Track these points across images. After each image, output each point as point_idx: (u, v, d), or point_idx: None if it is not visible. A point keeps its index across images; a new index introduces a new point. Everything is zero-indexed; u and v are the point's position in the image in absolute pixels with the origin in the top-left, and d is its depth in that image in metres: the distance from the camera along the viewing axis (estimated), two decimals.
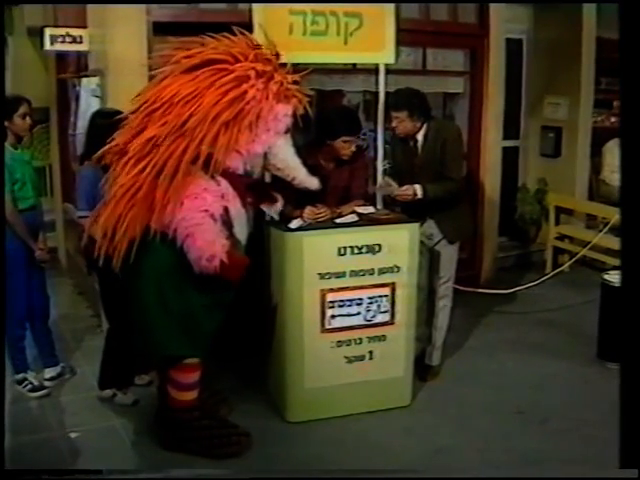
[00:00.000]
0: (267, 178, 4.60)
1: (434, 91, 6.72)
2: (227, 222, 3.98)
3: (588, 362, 5.55)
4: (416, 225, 4.66)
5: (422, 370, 5.18)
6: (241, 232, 4.11)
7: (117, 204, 3.93)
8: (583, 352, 5.69)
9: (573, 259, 7.26)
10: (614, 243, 7.20)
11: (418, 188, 4.72)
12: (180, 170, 3.84)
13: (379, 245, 4.51)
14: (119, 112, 4.64)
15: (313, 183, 4.31)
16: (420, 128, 4.84)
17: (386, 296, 4.58)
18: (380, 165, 5.17)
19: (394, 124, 4.85)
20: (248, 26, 4.75)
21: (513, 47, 7.96)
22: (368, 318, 4.57)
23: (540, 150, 8.42)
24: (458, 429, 4.57)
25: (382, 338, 4.64)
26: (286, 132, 4.11)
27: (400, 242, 4.58)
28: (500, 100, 7.27)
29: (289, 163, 4.20)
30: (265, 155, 4.10)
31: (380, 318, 4.60)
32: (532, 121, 8.49)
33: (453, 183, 4.84)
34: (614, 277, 5.63)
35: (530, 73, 8.39)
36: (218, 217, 3.90)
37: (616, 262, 6.90)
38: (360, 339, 4.59)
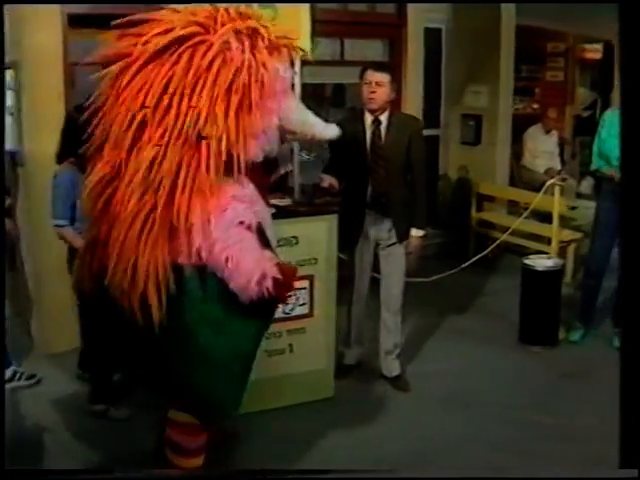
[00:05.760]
0: None
1: (353, 82, 6.66)
2: (260, 229, 3.19)
3: (511, 346, 5.67)
4: (334, 216, 4.64)
5: (392, 382, 5.01)
6: (273, 235, 3.35)
7: (129, 229, 3.02)
8: (507, 337, 5.79)
9: (493, 245, 7.33)
10: (535, 228, 7.35)
11: (420, 232, 4.81)
12: (196, 182, 3.00)
13: (296, 237, 4.49)
14: None
15: (334, 131, 3.58)
16: (387, 107, 4.74)
17: (304, 289, 4.56)
18: (296, 156, 5.12)
19: (371, 90, 4.64)
20: None
21: (432, 36, 7.98)
22: (287, 311, 4.52)
23: (461, 138, 8.52)
24: (382, 419, 4.58)
25: (301, 331, 4.63)
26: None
27: (318, 234, 4.57)
28: (419, 89, 7.33)
29: (307, 119, 3.43)
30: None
31: (299, 311, 4.59)
32: (452, 110, 8.57)
33: (425, 190, 4.86)
34: (534, 261, 5.75)
35: (450, 62, 8.45)
36: (255, 227, 3.13)
37: (538, 246, 7.06)
38: (280, 332, 4.55)
